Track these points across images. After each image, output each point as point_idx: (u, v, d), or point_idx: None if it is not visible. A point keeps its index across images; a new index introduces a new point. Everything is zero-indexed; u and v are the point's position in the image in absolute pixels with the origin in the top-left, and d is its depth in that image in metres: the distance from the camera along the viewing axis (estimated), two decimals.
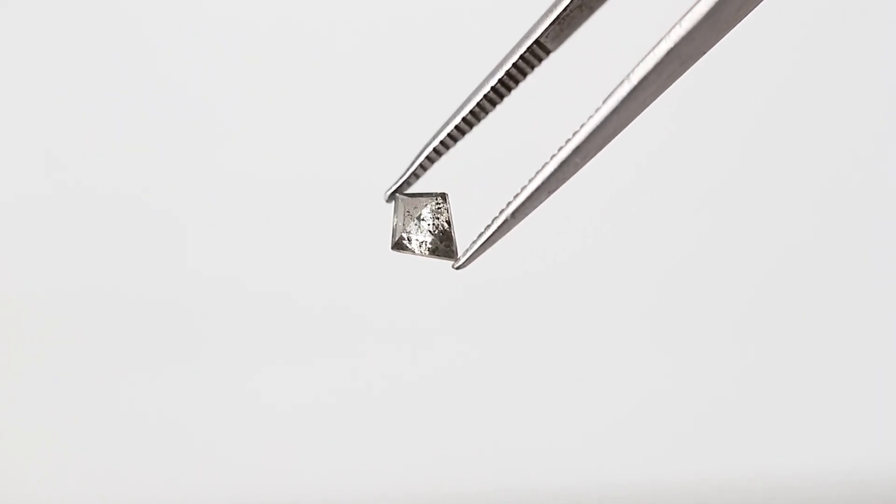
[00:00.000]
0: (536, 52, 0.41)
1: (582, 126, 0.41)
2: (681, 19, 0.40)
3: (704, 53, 0.41)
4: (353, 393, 0.98)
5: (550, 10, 0.40)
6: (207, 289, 0.99)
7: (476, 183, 0.80)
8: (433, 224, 0.41)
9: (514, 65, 0.41)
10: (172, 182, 0.99)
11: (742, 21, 0.41)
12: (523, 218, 0.42)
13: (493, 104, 0.41)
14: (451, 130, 0.41)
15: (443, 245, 0.41)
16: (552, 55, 0.42)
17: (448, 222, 0.41)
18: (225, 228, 0.98)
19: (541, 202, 0.42)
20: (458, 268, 0.42)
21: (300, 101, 0.98)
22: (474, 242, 0.42)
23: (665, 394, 0.98)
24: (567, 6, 0.40)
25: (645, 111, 0.42)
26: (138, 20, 0.98)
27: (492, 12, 0.93)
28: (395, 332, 0.99)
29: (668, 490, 0.95)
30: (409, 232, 0.41)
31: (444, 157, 0.42)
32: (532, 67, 0.41)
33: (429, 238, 0.41)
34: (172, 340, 0.99)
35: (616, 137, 0.42)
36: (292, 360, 0.99)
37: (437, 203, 0.41)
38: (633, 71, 0.40)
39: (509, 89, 0.41)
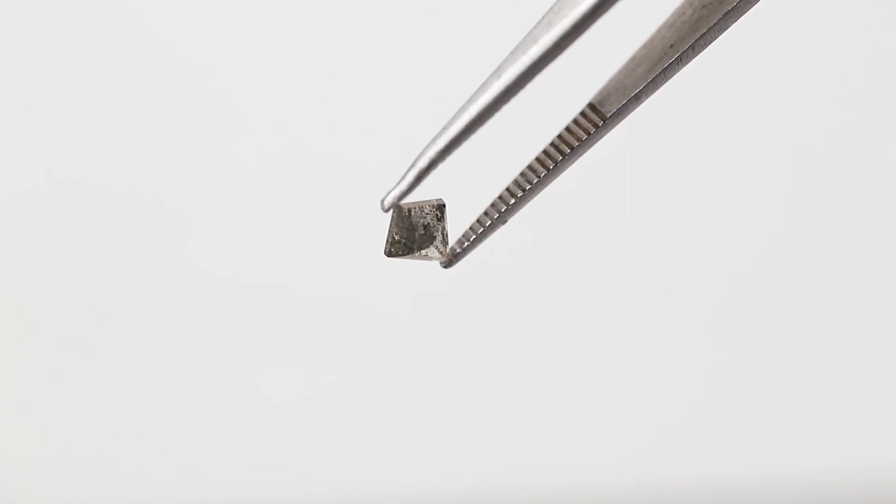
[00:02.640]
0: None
1: (577, 126, 0.41)
2: (682, 40, 0.39)
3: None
4: (356, 391, 0.97)
5: (556, 15, 0.39)
6: (212, 287, 0.98)
7: (462, 183, 0.78)
8: (432, 234, 0.41)
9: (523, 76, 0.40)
10: (178, 181, 0.97)
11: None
12: (511, 218, 0.42)
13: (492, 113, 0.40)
14: (451, 140, 0.39)
15: (441, 253, 0.41)
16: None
17: (445, 233, 0.41)
18: (230, 227, 0.98)
19: (530, 201, 0.42)
20: (446, 267, 0.42)
21: (304, 100, 0.95)
22: (463, 242, 0.41)
23: (660, 393, 0.97)
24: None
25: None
26: (140, 17, 0.96)
27: (494, 13, 0.88)
28: (396, 331, 0.98)
29: (664, 490, 0.96)
30: (410, 242, 0.40)
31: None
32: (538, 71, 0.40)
33: (429, 249, 0.41)
34: (177, 339, 0.98)
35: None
36: (298, 359, 0.98)
37: (438, 213, 0.40)
38: (636, 89, 0.40)
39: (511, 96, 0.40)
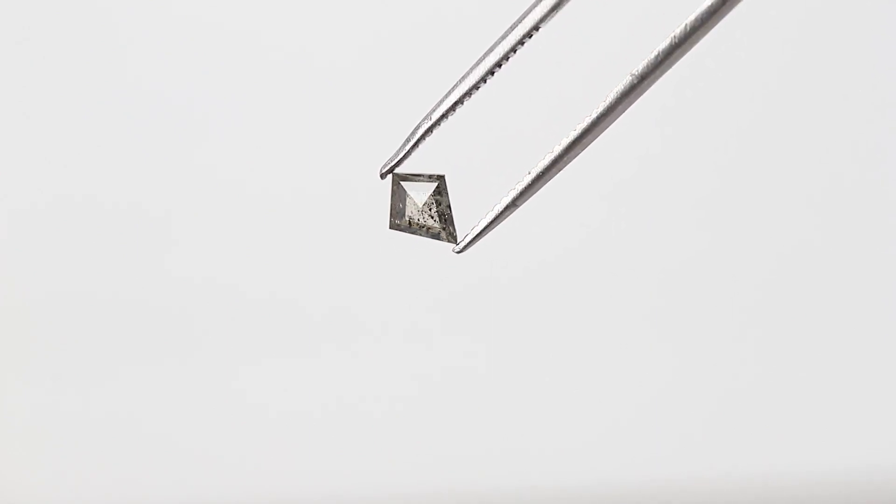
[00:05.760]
0: (529, 32, 0.41)
1: (586, 116, 0.42)
2: (685, 21, 0.40)
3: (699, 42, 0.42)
4: (348, 392, 0.98)
5: None
6: (197, 289, 0.99)
7: (466, 161, 0.80)
8: (435, 209, 0.42)
9: (507, 46, 0.41)
10: (160, 182, 0.98)
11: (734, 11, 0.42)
12: (523, 203, 0.43)
13: (485, 81, 0.42)
14: (447, 108, 0.41)
15: (445, 230, 0.42)
16: (541, 30, 0.42)
17: (448, 207, 0.42)
18: (213, 229, 0.98)
19: (541, 188, 0.43)
20: (459, 252, 0.43)
21: (288, 96, 0.97)
22: (475, 227, 0.42)
23: (667, 393, 0.97)
24: None
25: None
26: (128, 26, 0.98)
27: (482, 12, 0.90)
28: (393, 330, 0.98)
29: (666, 490, 0.95)
30: (412, 215, 0.42)
31: (434, 135, 0.42)
32: (522, 43, 0.42)
33: (431, 222, 0.42)
34: (163, 341, 0.99)
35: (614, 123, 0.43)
36: (286, 360, 0.98)
37: (438, 186, 0.42)
38: (637, 68, 0.41)
39: (500, 66, 0.42)
